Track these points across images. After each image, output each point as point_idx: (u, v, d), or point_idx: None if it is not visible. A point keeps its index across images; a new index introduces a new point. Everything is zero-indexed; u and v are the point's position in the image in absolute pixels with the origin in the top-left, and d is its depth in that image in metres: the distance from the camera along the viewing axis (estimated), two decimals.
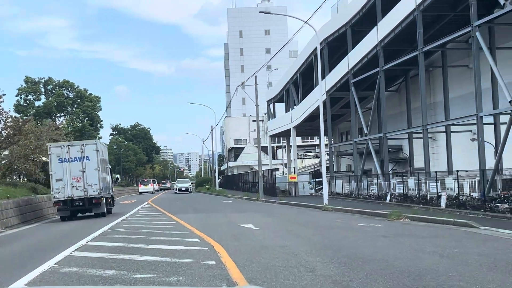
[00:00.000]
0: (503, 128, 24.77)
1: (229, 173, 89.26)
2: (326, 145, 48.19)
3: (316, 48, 32.79)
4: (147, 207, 31.79)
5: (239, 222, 17.26)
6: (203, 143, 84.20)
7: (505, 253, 9.52)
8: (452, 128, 30.35)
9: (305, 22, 27.57)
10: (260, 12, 25.78)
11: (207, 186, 72.36)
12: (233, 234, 13.60)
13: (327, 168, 45.49)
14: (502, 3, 21.00)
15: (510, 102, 20.81)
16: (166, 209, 28.19)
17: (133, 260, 9.68)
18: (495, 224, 14.59)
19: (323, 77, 40.93)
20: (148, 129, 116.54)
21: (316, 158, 75.93)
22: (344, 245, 10.96)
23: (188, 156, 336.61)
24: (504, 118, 25.32)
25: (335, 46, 40.13)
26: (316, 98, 37.83)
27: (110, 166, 29.39)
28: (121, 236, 14.21)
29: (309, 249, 10.38)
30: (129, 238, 13.71)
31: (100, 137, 74.26)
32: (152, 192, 72.99)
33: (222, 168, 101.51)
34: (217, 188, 65.02)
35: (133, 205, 35.80)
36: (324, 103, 40.38)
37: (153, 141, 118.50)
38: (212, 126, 69.31)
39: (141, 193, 71.37)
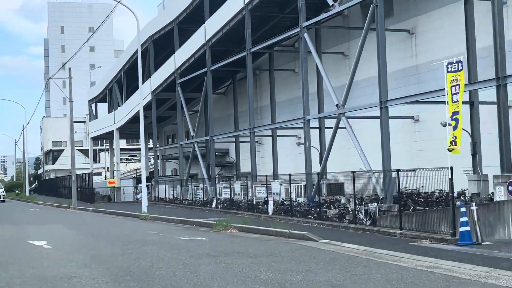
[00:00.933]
0: (327, 133, 24.66)
1: (47, 177, 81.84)
2: (150, 148, 45.75)
3: (141, 46, 30.16)
4: None
5: (31, 238, 13.91)
6: (15, 144, 76.09)
7: (363, 280, 7.53)
8: (279, 132, 29.89)
9: (119, 2, 24.93)
10: None
11: (16, 191, 64.93)
12: (9, 258, 10.23)
13: (152, 172, 43.20)
14: (331, 4, 20.58)
15: (337, 105, 20.44)
16: None
17: None
18: (334, 236, 13.11)
19: (149, 76, 38.36)
20: None
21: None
22: (156, 272, 8.38)
23: (4, 159, 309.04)
24: (328, 123, 25.23)
25: (162, 45, 37.92)
26: (141, 99, 35.08)
27: None
28: None
29: (105, 282, 7.64)
30: None
31: None
32: None
33: (40, 172, 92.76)
34: (27, 193, 58.51)
35: None
36: (150, 103, 37.88)
37: None
38: (23, 125, 62.23)
39: None
